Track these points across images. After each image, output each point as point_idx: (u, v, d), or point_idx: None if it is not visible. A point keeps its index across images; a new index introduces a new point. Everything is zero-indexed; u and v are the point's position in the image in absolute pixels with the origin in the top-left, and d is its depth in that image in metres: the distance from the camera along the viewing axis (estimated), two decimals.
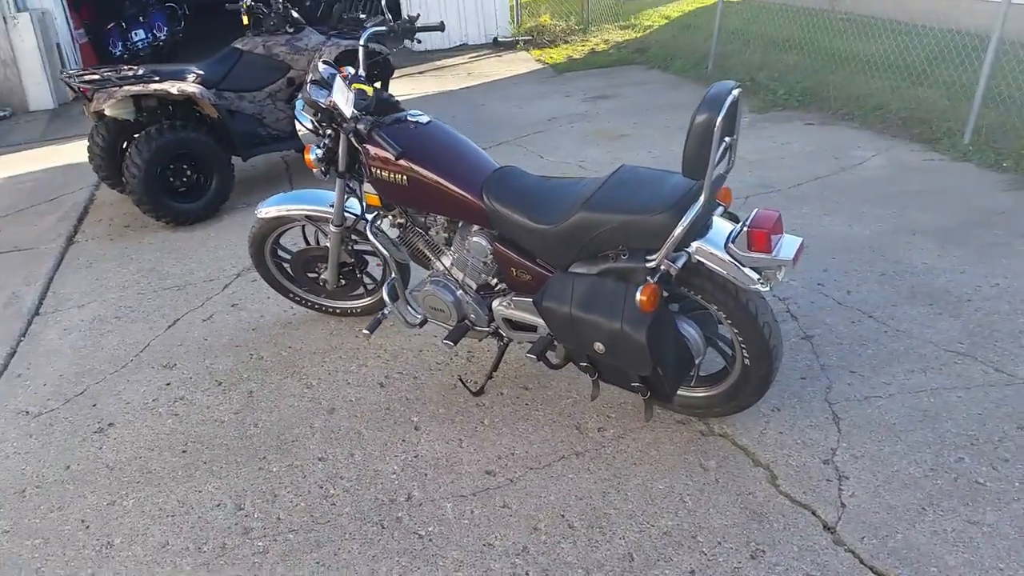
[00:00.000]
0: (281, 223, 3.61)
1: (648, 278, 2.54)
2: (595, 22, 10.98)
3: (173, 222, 5.27)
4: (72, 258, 5.01)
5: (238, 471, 2.91)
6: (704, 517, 2.52)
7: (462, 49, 10.72)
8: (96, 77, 4.99)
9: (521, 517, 2.58)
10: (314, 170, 3.19)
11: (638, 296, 2.46)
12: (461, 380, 3.26)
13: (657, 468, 2.75)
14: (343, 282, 3.71)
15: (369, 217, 3.30)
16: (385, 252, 3.24)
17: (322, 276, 3.71)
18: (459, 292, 3.11)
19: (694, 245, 2.57)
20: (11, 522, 2.75)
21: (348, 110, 2.93)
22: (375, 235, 3.25)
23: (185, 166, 5.23)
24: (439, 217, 3.12)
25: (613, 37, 10.64)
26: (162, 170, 5.12)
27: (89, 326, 4.09)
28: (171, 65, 5.48)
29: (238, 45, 5.71)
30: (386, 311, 3.33)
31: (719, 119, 2.29)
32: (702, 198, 2.43)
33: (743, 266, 2.51)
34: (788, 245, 2.52)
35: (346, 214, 3.40)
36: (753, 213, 2.55)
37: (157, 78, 5.12)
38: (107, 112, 5.15)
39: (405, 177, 2.98)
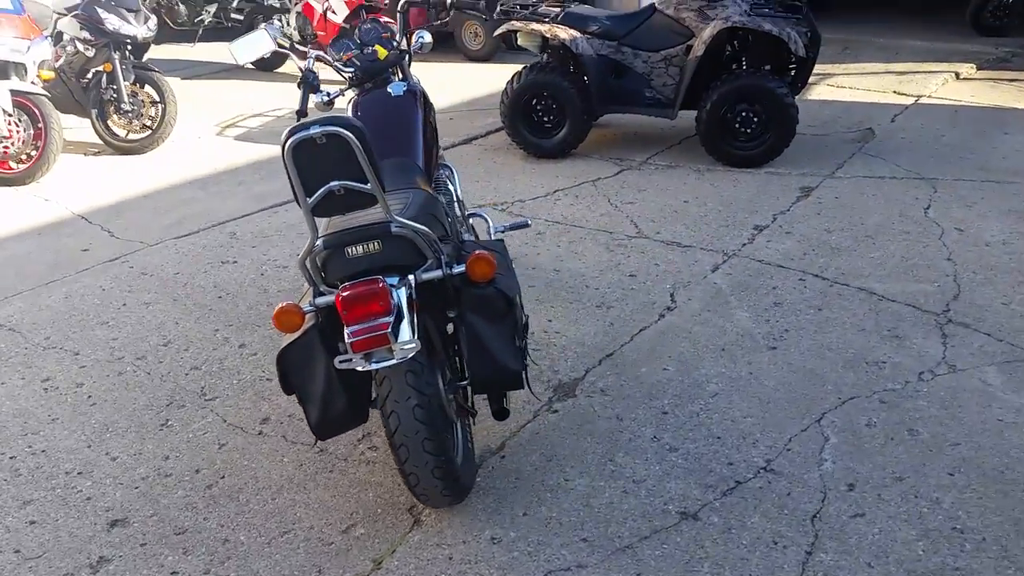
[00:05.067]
0: None
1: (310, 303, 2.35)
2: None
3: (523, 148, 5.86)
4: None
5: (213, 313, 3.69)
6: (270, 560, 2.39)
7: None
8: (520, 4, 5.75)
9: (211, 458, 2.81)
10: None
11: None
12: None
13: (331, 499, 2.59)
14: None
15: None
16: None
17: None
18: None
19: None
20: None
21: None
22: None
23: (553, 105, 5.72)
24: None
25: None
26: (527, 103, 5.72)
27: None
28: (588, 9, 5.88)
29: (656, 2, 5.74)
30: None
31: (287, 145, 2.01)
32: (310, 236, 2.16)
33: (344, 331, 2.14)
34: (378, 332, 2.06)
35: None
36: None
37: (548, 19, 5.64)
38: (519, 40, 5.95)
39: None
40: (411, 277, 2.25)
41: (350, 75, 3.17)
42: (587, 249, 4.29)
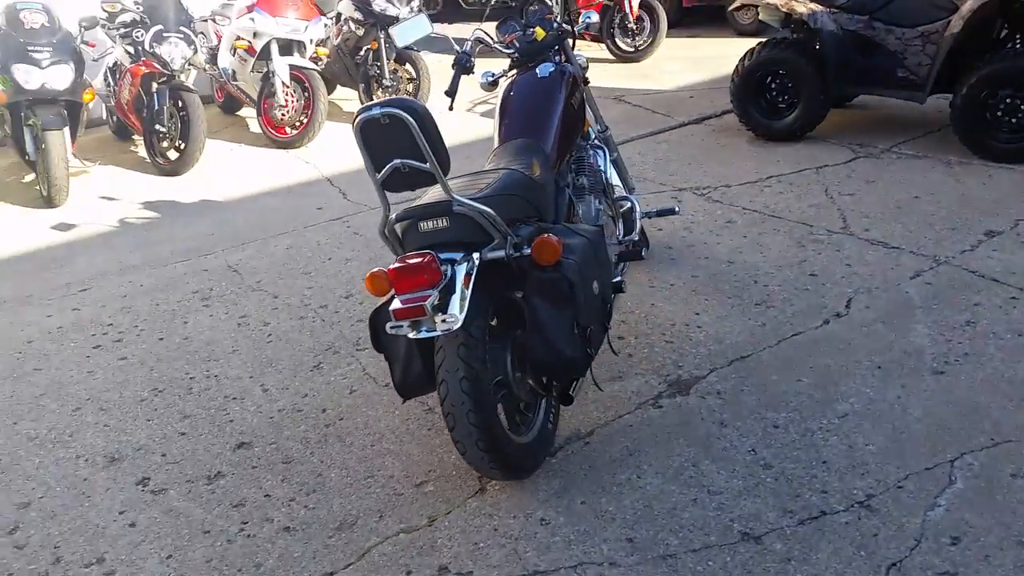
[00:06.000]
0: None
1: None
2: None
3: (752, 130, 5.56)
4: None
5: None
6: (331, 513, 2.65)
7: None
8: None
9: (339, 401, 3.13)
10: None
11: None
12: None
13: (418, 454, 2.78)
14: None
15: None
16: None
17: None
18: None
19: None
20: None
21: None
22: None
23: (788, 84, 5.36)
24: None
25: None
26: (759, 80, 5.42)
27: None
28: None
29: None
30: None
31: (356, 123, 2.21)
32: (382, 209, 2.35)
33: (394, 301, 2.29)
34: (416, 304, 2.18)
35: None
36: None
37: None
38: (760, 15, 5.66)
39: None
40: (476, 255, 2.33)
41: (512, 56, 3.28)
42: (774, 242, 4.01)
